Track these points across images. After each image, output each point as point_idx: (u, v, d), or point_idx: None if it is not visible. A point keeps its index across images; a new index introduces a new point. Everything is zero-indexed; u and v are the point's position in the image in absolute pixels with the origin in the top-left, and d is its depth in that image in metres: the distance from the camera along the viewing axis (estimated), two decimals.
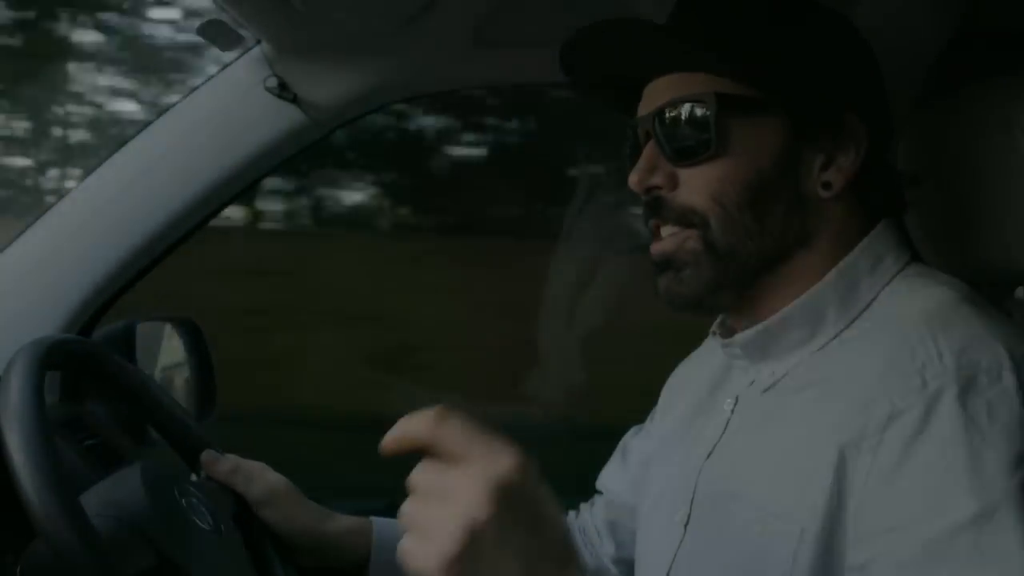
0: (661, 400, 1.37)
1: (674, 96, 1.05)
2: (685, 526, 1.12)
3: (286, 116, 1.58)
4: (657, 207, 1.07)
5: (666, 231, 1.08)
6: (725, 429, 1.12)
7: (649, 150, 1.07)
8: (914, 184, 1.13)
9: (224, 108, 1.57)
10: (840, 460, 0.93)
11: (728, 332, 1.14)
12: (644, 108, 1.09)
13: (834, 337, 1.05)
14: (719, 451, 1.12)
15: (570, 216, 3.22)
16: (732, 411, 1.13)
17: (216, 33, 1.49)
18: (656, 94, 1.08)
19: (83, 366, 1.19)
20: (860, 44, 1.10)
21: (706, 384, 1.22)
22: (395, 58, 1.55)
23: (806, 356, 1.06)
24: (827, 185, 1.05)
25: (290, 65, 1.54)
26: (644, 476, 1.30)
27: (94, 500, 0.99)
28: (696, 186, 1.05)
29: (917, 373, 0.91)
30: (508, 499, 0.69)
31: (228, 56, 1.57)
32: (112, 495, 1.01)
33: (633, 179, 1.07)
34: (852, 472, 0.93)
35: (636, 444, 1.41)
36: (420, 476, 0.73)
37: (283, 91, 1.55)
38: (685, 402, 1.25)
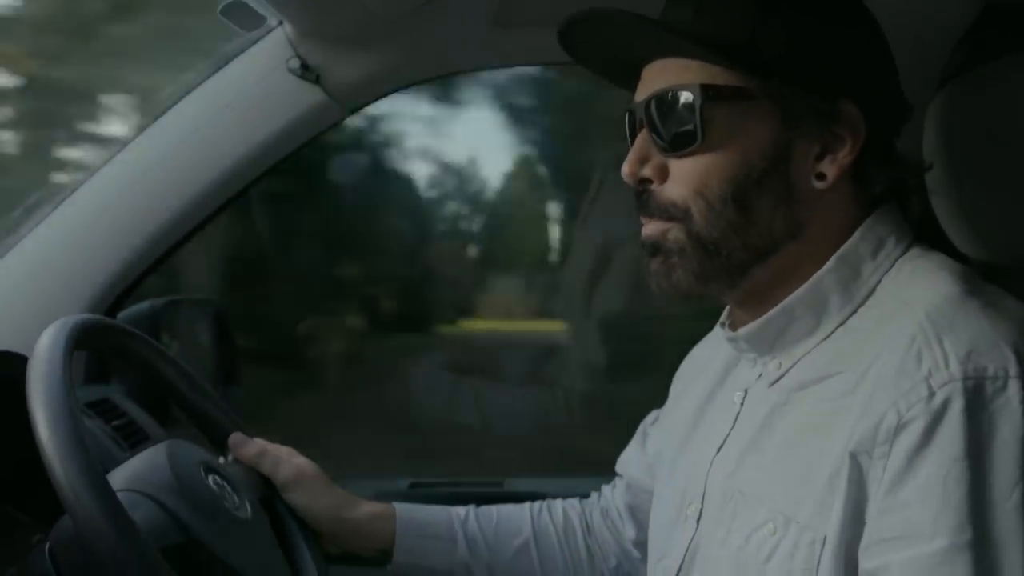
0: (673, 387, 1.37)
1: (664, 85, 1.04)
2: (698, 520, 1.12)
3: (308, 97, 1.58)
4: (646, 203, 1.06)
5: (651, 227, 1.06)
6: (735, 424, 1.12)
7: (641, 139, 1.06)
8: (920, 171, 1.10)
9: (247, 89, 1.58)
10: (853, 466, 0.93)
11: (735, 324, 1.13)
12: (639, 94, 1.08)
13: (840, 325, 1.04)
14: (728, 446, 1.11)
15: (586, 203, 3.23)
16: (742, 404, 1.12)
17: (238, 14, 1.50)
18: (650, 80, 1.07)
19: (109, 346, 1.19)
20: (864, 26, 1.07)
21: (717, 372, 1.22)
22: (416, 39, 1.55)
23: (812, 346, 1.05)
24: (821, 176, 1.03)
25: (312, 46, 1.55)
26: (660, 462, 1.30)
27: (121, 477, 1.00)
28: (682, 179, 1.03)
29: (924, 381, 0.90)
30: None
31: None
32: (139, 473, 1.01)
33: (625, 169, 1.07)
34: (866, 479, 0.92)
35: (653, 431, 1.41)
36: None
37: (305, 72, 1.56)
38: (696, 391, 1.25)
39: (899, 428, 0.90)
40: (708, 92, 1.01)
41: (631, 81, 1.10)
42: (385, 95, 1.65)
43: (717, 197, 1.02)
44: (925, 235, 1.10)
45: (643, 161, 1.05)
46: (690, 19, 1.03)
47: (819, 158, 1.03)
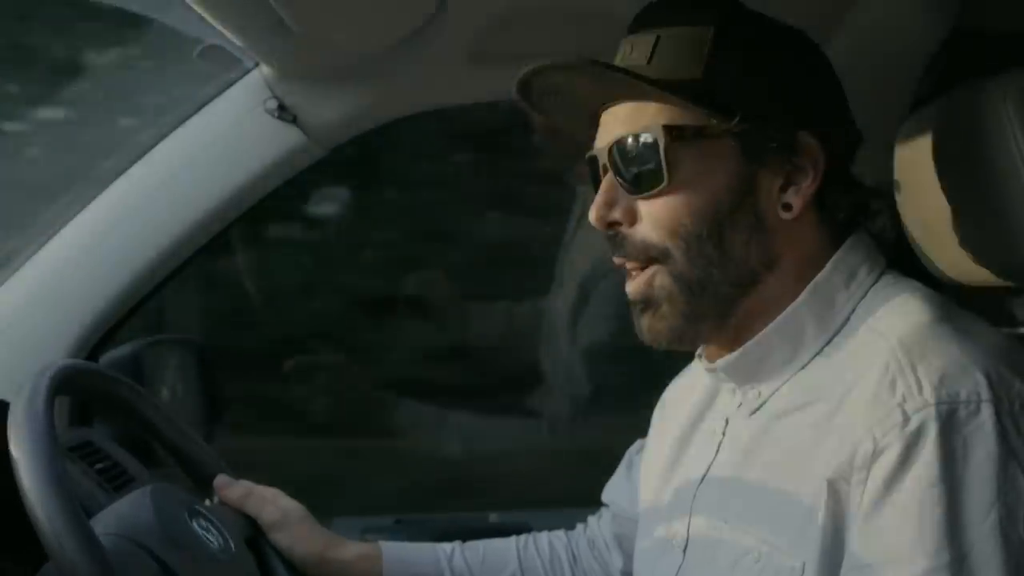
0: (655, 418, 1.37)
1: (625, 129, 1.05)
2: (684, 551, 1.12)
3: (286, 137, 1.59)
4: (618, 244, 1.07)
5: (631, 267, 1.08)
6: (717, 453, 1.13)
7: (607, 183, 1.07)
8: (880, 195, 1.12)
9: (224, 131, 1.59)
10: (832, 493, 0.94)
11: (711, 356, 1.14)
12: (600, 140, 1.10)
13: (816, 354, 1.05)
14: (712, 476, 1.12)
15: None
16: (723, 434, 1.13)
17: (214, 56, 1.51)
18: (610, 125, 1.08)
19: (92, 391, 1.19)
20: (814, 58, 1.09)
21: (697, 402, 1.23)
22: (392, 78, 1.57)
23: (790, 375, 1.06)
24: (787, 207, 1.04)
25: (289, 87, 1.56)
26: (645, 492, 1.30)
27: (104, 522, 1.00)
28: (654, 220, 1.05)
29: (898, 407, 0.92)
30: None
31: None
32: (123, 517, 1.01)
33: (593, 215, 1.08)
34: (844, 507, 0.94)
35: (639, 460, 1.41)
36: None
37: (282, 112, 1.57)
38: (678, 420, 1.26)
39: (875, 454, 0.91)
40: (671, 133, 1.02)
41: (587, 128, 1.12)
42: (362, 133, 1.66)
43: (693, 235, 1.03)
44: (898, 259, 1.11)
45: (610, 205, 1.07)
46: (645, 64, 1.05)
47: (783, 189, 1.05)
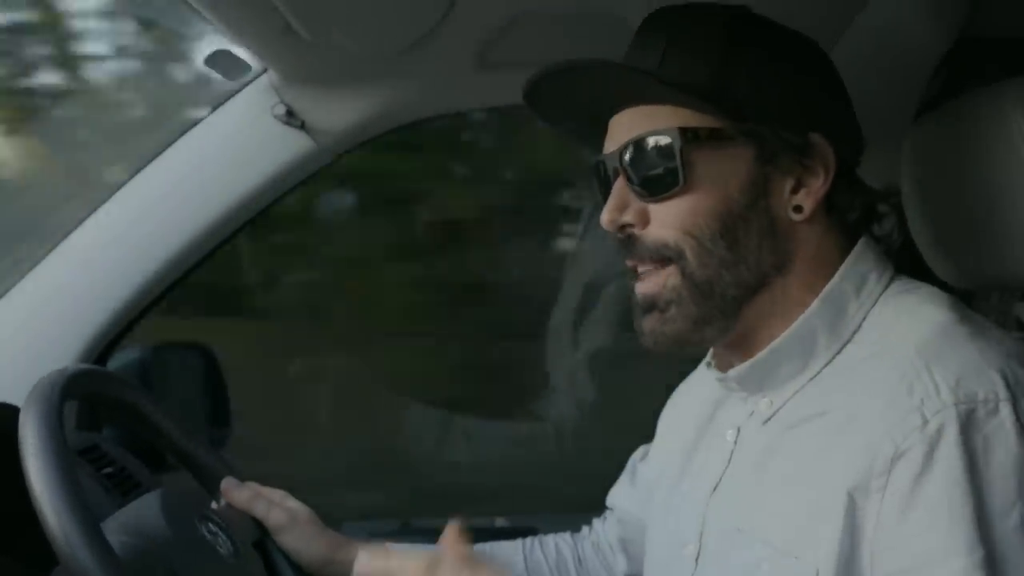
0: (661, 425, 1.37)
1: (639, 132, 1.05)
2: (696, 560, 1.12)
3: (294, 143, 1.60)
4: (631, 245, 1.07)
5: (643, 269, 1.08)
6: (729, 462, 1.12)
7: (618, 187, 1.07)
8: (887, 198, 1.12)
9: (232, 136, 1.59)
10: (850, 503, 0.93)
11: (721, 365, 1.14)
12: (610, 144, 1.09)
13: (828, 363, 1.05)
14: (725, 485, 1.12)
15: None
16: (735, 442, 1.13)
17: (223, 62, 1.51)
18: (621, 129, 1.08)
19: (101, 396, 1.20)
20: (821, 63, 1.10)
21: (705, 409, 1.22)
22: (400, 83, 1.57)
23: (802, 385, 1.06)
24: (798, 208, 1.05)
25: (297, 92, 1.56)
26: (651, 499, 1.30)
27: (114, 527, 1.00)
28: (667, 221, 1.05)
29: (916, 410, 0.91)
30: None
31: None
32: (132, 522, 1.01)
33: (605, 218, 1.08)
34: (863, 514, 0.93)
35: (642, 466, 1.41)
36: None
37: (290, 118, 1.57)
38: (685, 428, 1.25)
39: (896, 458, 0.91)
40: (687, 135, 1.02)
41: (594, 137, 1.12)
42: (370, 139, 1.66)
43: (707, 236, 1.03)
44: (907, 264, 1.11)
45: (622, 208, 1.07)
46: (656, 67, 1.05)
47: (795, 191, 1.05)
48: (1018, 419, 0.90)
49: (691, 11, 1.08)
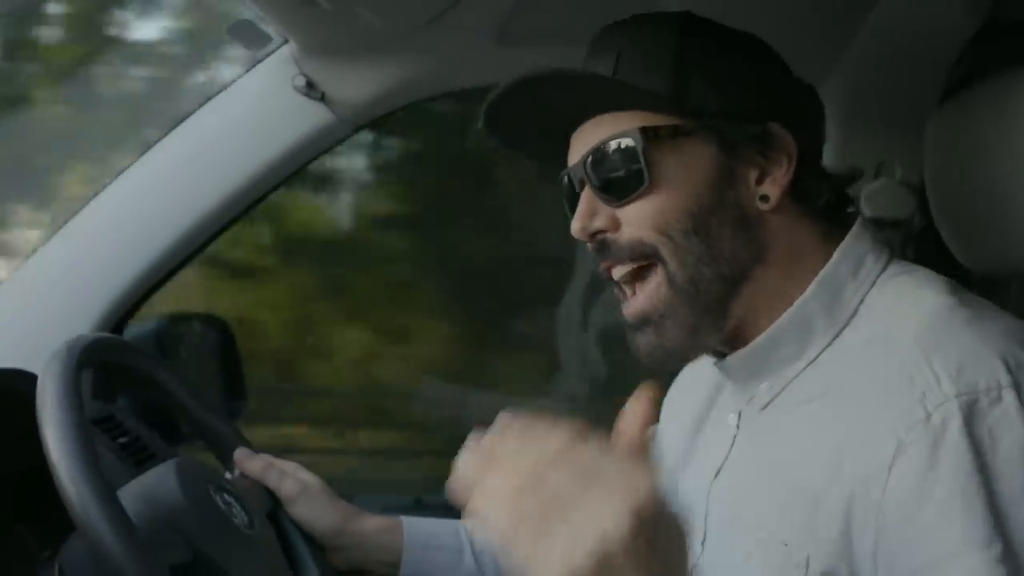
0: (664, 408, 1.37)
1: (601, 138, 1.06)
2: (702, 543, 1.12)
3: (314, 115, 1.59)
4: (605, 249, 1.08)
5: (620, 271, 1.08)
6: (732, 447, 1.13)
7: (586, 196, 1.08)
8: (852, 182, 1.13)
9: (252, 108, 1.59)
10: (849, 493, 0.93)
11: (720, 353, 1.14)
12: (574, 156, 1.10)
13: (826, 347, 1.05)
14: (727, 471, 1.12)
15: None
16: (737, 427, 1.13)
17: (244, 33, 1.51)
18: (583, 140, 1.09)
19: (117, 364, 1.20)
20: (770, 55, 1.11)
21: (706, 393, 1.23)
22: (420, 56, 1.56)
23: (800, 369, 1.06)
24: (765, 198, 1.05)
25: (317, 64, 1.56)
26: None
27: (130, 495, 1.00)
28: (638, 222, 1.05)
29: (919, 403, 0.90)
30: (645, 524, 0.68)
31: None
32: (148, 490, 1.02)
33: (575, 227, 1.08)
34: (862, 506, 0.92)
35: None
36: (556, 477, 0.69)
37: (310, 90, 1.57)
38: (686, 413, 1.26)
39: (898, 452, 0.90)
40: (648, 134, 1.04)
41: (557, 157, 1.13)
42: (389, 112, 1.65)
43: (679, 232, 1.04)
44: (931, 249, 1.11)
45: (592, 215, 1.07)
46: (611, 74, 1.06)
47: (759, 181, 1.06)
48: (1022, 405, 0.89)
49: (640, 20, 1.10)
